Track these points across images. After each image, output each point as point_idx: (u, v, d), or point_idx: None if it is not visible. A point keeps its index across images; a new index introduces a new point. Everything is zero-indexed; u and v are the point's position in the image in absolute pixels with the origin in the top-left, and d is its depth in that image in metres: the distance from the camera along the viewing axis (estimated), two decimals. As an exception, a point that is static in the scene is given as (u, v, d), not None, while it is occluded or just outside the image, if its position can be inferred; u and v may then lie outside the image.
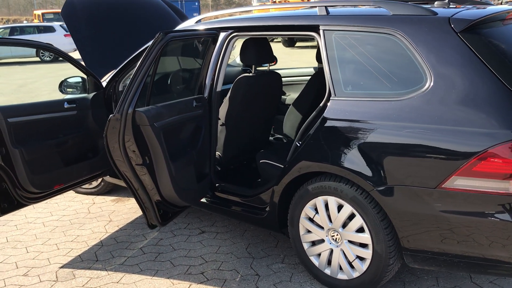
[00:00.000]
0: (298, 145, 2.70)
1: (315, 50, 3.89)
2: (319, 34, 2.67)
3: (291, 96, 4.70)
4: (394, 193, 2.32)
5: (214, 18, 3.49)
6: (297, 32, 2.86)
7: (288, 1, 16.91)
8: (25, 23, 24.36)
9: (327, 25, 2.63)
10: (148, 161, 2.64)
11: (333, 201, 2.58)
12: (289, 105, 4.44)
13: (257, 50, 3.26)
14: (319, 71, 3.81)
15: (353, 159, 2.42)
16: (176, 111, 2.78)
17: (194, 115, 2.94)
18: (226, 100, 3.34)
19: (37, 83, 11.99)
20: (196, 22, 3.41)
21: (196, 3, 27.78)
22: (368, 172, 2.37)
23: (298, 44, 18.72)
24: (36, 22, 25.98)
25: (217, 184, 3.24)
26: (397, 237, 2.42)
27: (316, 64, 4.38)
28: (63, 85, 3.67)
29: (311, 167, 2.59)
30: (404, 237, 2.36)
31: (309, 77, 4.72)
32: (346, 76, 2.55)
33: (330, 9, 2.77)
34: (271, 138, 4.03)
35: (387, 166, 2.33)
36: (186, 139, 2.94)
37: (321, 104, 2.62)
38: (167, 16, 4.71)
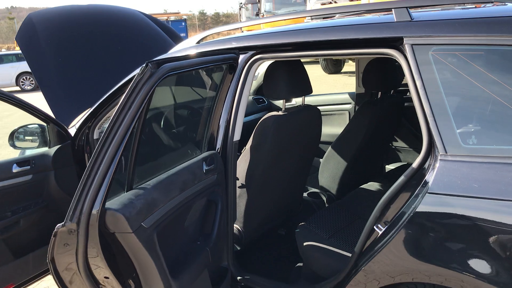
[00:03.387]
0: (379, 230, 1.68)
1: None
2: (401, 51, 1.68)
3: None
4: None
5: (225, 35, 2.49)
6: (359, 51, 1.85)
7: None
8: (3, 52, 23.29)
9: (417, 36, 1.63)
10: (134, 286, 1.58)
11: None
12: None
13: (290, 78, 2.25)
14: (372, 100, 2.81)
15: (498, 267, 1.39)
16: (178, 188, 1.73)
17: (205, 185, 1.91)
18: (246, 152, 2.32)
19: (14, 115, 10.86)
20: (198, 42, 2.41)
21: (183, 23, 26.63)
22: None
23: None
24: (17, 50, 24.93)
25: (238, 277, 2.20)
26: None
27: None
28: (15, 137, 2.63)
29: (421, 273, 1.54)
30: None
31: (342, 106, 3.75)
32: (464, 120, 1.53)
33: (413, 12, 1.77)
34: (304, 194, 2.99)
35: None
36: (194, 230, 1.89)
37: (414, 165, 1.60)
38: (156, 37, 3.69)
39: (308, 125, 2.43)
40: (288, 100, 2.28)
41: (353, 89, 3.64)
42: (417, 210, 1.52)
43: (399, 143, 3.35)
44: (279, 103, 3.94)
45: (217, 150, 2.09)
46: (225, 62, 1.96)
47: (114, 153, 1.45)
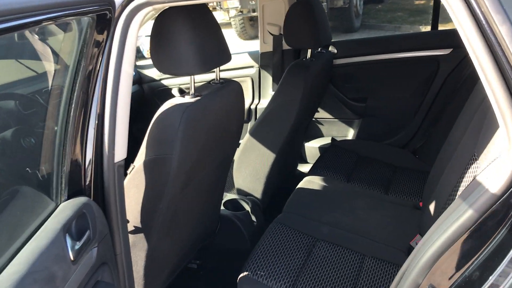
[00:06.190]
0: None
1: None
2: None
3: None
4: None
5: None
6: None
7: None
8: None
9: None
10: None
11: None
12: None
13: (202, 36, 1.28)
14: (301, 62, 1.99)
15: None
16: None
17: (78, 284, 0.91)
18: (136, 173, 1.32)
19: None
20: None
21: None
22: None
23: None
24: None
25: None
26: None
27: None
28: None
29: None
30: None
31: (242, 71, 2.83)
32: None
33: None
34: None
35: None
36: None
37: (494, 190, 0.84)
38: None
39: (231, 110, 1.52)
40: (176, 74, 1.32)
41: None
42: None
43: (321, 114, 2.62)
44: (151, 72, 2.88)
45: (85, 188, 1.08)
46: (95, 11, 0.91)
47: None
